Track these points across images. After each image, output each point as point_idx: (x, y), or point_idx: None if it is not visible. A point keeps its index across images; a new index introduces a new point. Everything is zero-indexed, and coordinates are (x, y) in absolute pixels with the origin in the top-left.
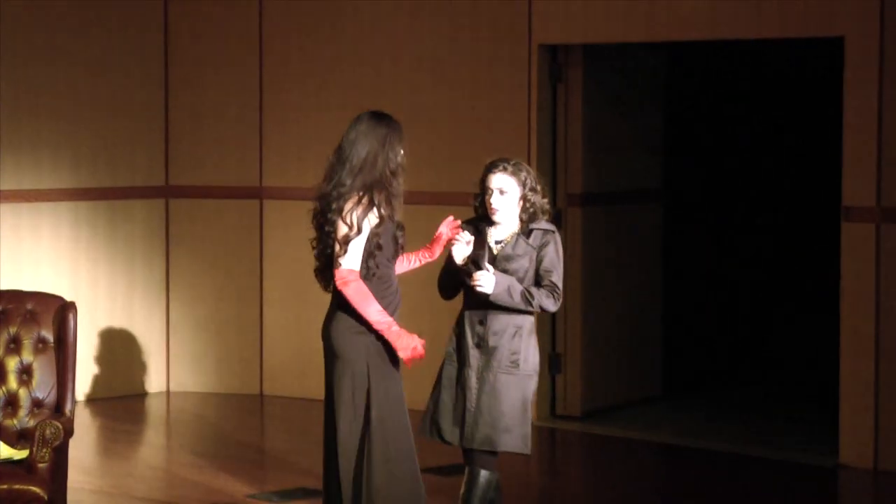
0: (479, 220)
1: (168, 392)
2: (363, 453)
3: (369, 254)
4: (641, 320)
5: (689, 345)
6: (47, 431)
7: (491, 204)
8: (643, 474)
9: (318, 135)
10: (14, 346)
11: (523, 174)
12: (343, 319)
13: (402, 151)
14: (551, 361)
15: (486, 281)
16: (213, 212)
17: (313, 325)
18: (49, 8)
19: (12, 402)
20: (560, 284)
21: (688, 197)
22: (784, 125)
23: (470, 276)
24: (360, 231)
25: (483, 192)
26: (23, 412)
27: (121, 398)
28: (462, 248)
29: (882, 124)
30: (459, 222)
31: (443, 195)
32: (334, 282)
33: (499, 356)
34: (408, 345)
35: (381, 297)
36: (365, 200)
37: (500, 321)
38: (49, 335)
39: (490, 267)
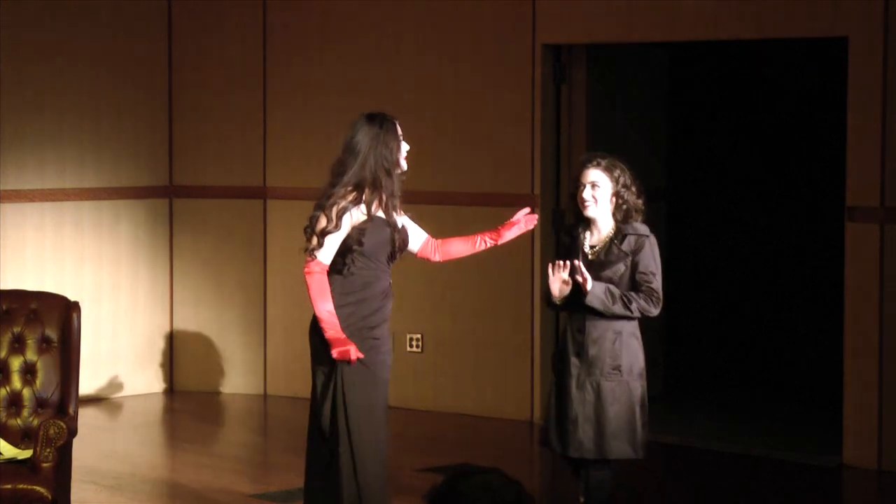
0: (576, 225)
1: (171, 392)
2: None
3: (347, 249)
4: (642, 320)
5: (690, 345)
6: (51, 431)
7: (583, 199)
8: (643, 474)
9: (321, 134)
10: (18, 345)
11: (617, 171)
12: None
13: (399, 149)
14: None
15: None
16: (216, 212)
17: None
18: (53, 8)
19: (16, 401)
20: (659, 289)
21: (691, 197)
22: (787, 125)
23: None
24: (338, 227)
25: (576, 187)
26: (27, 412)
27: (124, 398)
28: (559, 285)
29: (886, 124)
30: (536, 215)
31: (446, 195)
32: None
33: (600, 364)
34: (342, 349)
35: (356, 297)
36: (352, 197)
37: (598, 328)
38: (53, 335)
39: (585, 271)
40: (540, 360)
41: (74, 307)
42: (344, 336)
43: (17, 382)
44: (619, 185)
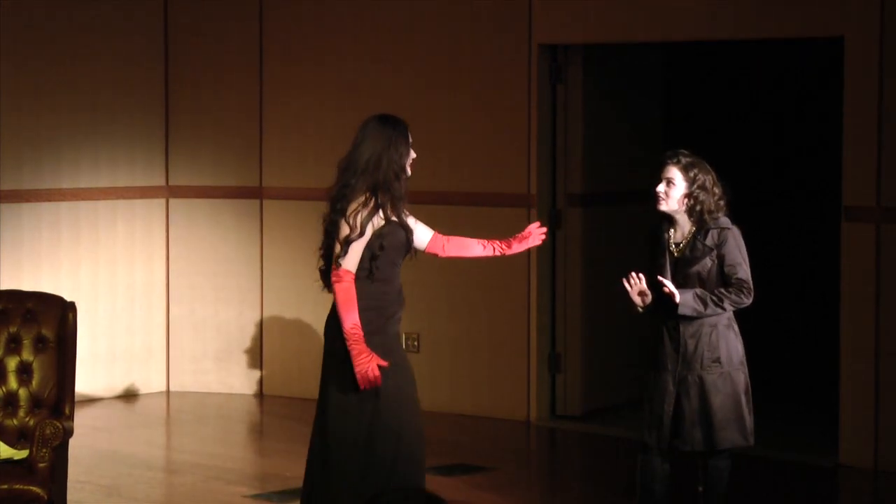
0: (661, 223)
1: (168, 392)
2: (367, 450)
3: (372, 255)
4: (642, 320)
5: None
6: (47, 431)
7: (657, 192)
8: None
9: (318, 135)
10: (14, 345)
11: (694, 171)
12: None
13: (408, 154)
14: (551, 361)
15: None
16: (213, 212)
17: (313, 325)
18: (50, 8)
19: (12, 401)
20: (748, 278)
21: None
22: (784, 125)
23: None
24: (362, 233)
25: (657, 182)
26: (23, 412)
27: (121, 398)
28: (638, 298)
29: (882, 124)
30: (545, 229)
31: (442, 194)
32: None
33: (699, 357)
34: (364, 365)
35: (379, 298)
36: (371, 203)
37: (693, 324)
38: (49, 335)
39: (670, 284)
40: (536, 359)
41: (71, 307)
42: (367, 350)
43: (13, 382)
44: (695, 186)
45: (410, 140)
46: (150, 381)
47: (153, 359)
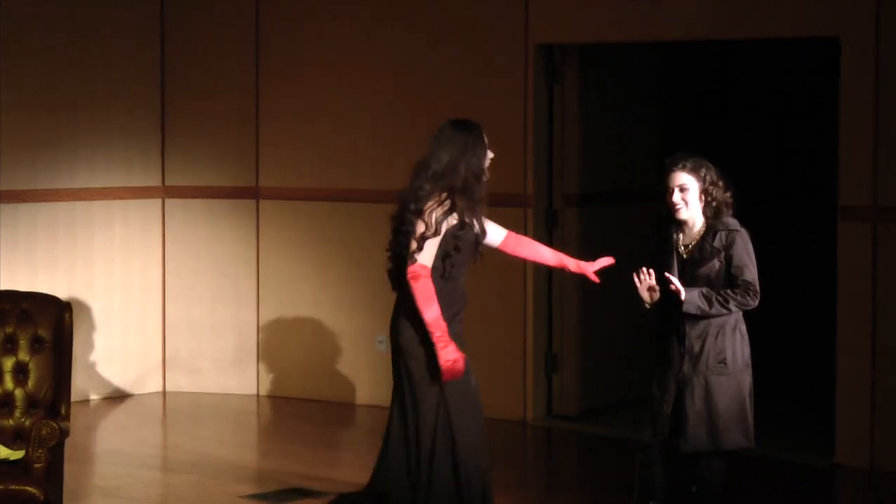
0: (668, 225)
1: (164, 392)
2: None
3: (446, 254)
4: (637, 320)
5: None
6: (43, 431)
7: (674, 203)
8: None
9: (314, 135)
10: (10, 346)
11: (702, 170)
12: (411, 321)
13: (486, 155)
14: (547, 361)
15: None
16: (209, 212)
17: (309, 325)
18: (47, 10)
19: (8, 402)
20: (755, 281)
21: None
22: (780, 125)
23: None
24: (437, 232)
25: (665, 191)
26: (19, 412)
27: (117, 398)
28: (647, 293)
29: (878, 124)
30: (612, 260)
31: None
32: (405, 277)
33: (705, 358)
34: (449, 357)
35: (446, 297)
36: (447, 203)
37: (700, 324)
38: (45, 335)
39: (677, 281)
40: (532, 359)
41: (67, 307)
42: (452, 342)
43: (9, 383)
44: (707, 184)
45: (487, 141)
46: (147, 382)
47: (149, 359)
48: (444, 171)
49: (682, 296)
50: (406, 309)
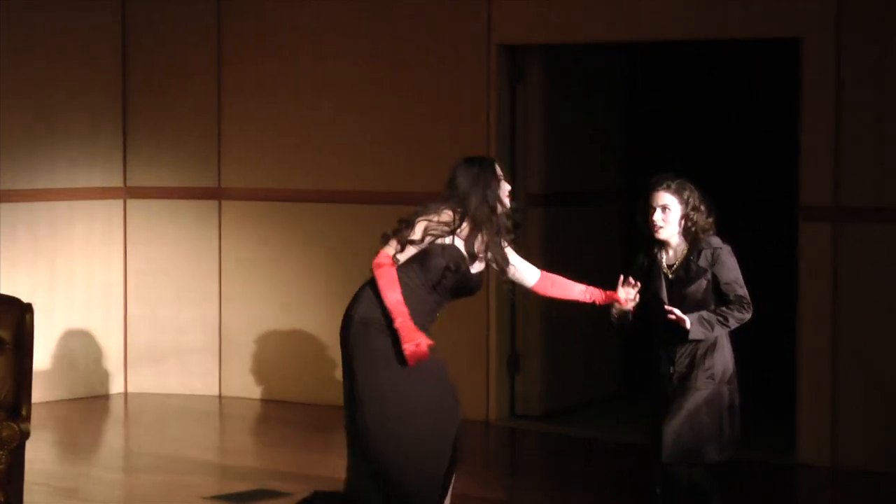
0: (650, 246)
1: (126, 394)
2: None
3: (447, 269)
4: (601, 319)
5: (648, 343)
6: (4, 433)
7: (654, 222)
8: (603, 474)
9: (276, 135)
10: None
11: (686, 192)
12: (365, 319)
13: (500, 186)
14: (510, 361)
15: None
16: (171, 213)
17: (273, 325)
18: (6, 9)
19: None
20: (745, 294)
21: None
22: (742, 125)
23: (658, 311)
24: (421, 241)
25: (646, 210)
26: None
27: (79, 400)
28: (624, 301)
29: (839, 124)
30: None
31: (402, 195)
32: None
33: (693, 375)
34: (413, 338)
35: (422, 306)
36: (455, 219)
37: (688, 343)
38: (6, 336)
39: (679, 312)
40: (495, 359)
41: (28, 308)
42: (413, 324)
43: None
44: (689, 208)
45: (500, 173)
46: (109, 383)
47: (111, 360)
48: (457, 198)
49: (688, 325)
50: (360, 307)
